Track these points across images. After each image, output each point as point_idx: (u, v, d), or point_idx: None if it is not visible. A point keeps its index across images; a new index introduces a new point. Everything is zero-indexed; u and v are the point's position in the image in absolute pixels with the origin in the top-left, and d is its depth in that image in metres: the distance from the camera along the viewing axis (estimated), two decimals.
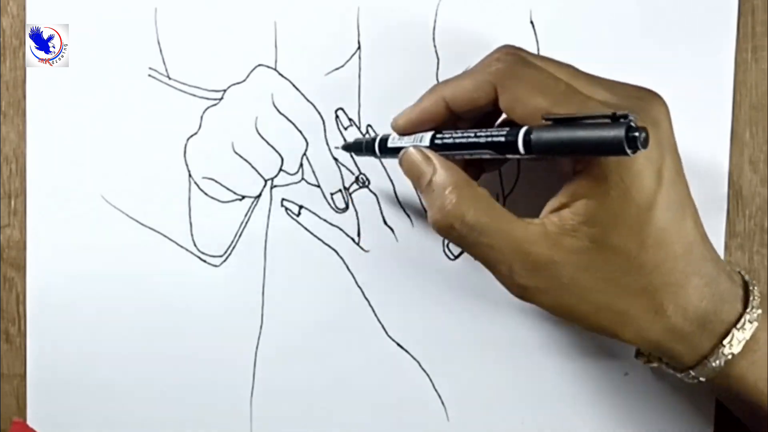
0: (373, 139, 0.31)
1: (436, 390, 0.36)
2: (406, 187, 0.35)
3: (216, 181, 0.36)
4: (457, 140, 0.28)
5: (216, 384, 0.37)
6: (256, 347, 0.37)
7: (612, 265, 0.26)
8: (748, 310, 0.28)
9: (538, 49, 0.34)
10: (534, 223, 0.27)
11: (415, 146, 0.29)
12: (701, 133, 0.33)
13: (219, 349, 0.37)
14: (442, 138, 0.29)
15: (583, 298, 0.27)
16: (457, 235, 0.28)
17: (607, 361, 0.34)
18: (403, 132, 0.30)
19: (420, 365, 0.36)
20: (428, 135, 0.29)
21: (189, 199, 0.36)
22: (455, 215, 0.27)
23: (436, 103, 0.29)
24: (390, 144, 0.31)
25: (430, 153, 0.29)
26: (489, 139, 0.27)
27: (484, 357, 0.36)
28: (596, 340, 0.35)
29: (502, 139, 0.26)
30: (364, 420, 0.36)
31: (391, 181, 0.36)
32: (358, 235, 0.36)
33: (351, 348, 0.36)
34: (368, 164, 0.35)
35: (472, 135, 0.27)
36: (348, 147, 0.33)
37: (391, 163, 0.34)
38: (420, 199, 0.35)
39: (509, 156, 0.26)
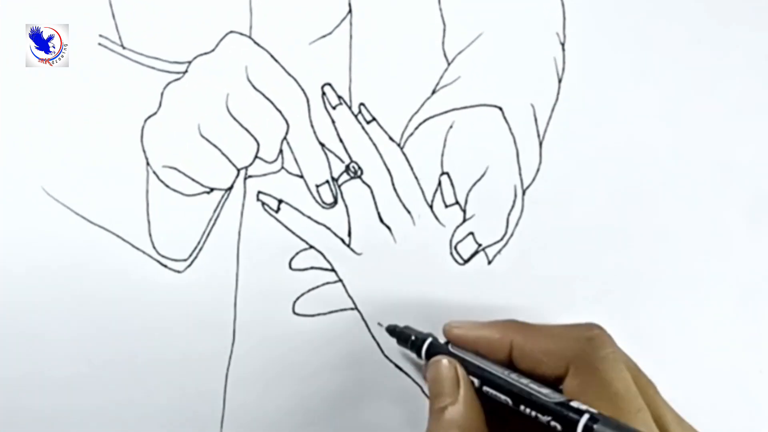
0: (423, 339, 0.32)
1: None
2: (406, 178, 0.35)
3: (179, 171, 0.35)
4: (504, 388, 0.29)
5: (179, 413, 0.35)
6: (227, 369, 0.35)
7: None
8: None
9: (564, 14, 0.34)
10: None
11: (451, 360, 0.30)
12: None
13: (182, 372, 0.35)
14: (490, 393, 0.29)
15: None
16: None
17: None
18: (452, 342, 0.32)
19: (423, 391, 0.35)
20: (477, 381, 0.30)
21: (146, 191, 0.35)
22: None
23: (501, 342, 0.30)
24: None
25: (463, 378, 0.30)
26: (541, 421, 0.27)
27: None
28: None
29: (558, 429, 0.27)
30: None
31: (388, 170, 0.35)
32: (349, 234, 0.35)
33: (340, 369, 0.35)
34: (361, 151, 0.35)
35: (526, 391, 0.28)
36: (393, 332, 0.34)
37: (389, 150, 0.35)
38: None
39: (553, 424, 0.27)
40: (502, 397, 0.29)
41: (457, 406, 0.29)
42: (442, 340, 0.32)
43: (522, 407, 0.28)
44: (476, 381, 0.30)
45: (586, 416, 0.26)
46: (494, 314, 0.35)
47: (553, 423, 0.26)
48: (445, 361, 0.30)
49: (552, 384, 0.29)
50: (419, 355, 0.32)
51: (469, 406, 0.29)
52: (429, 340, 0.32)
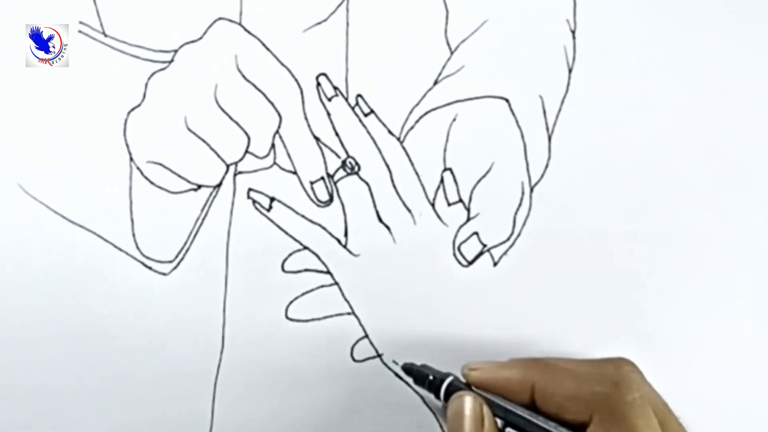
0: (441, 380, 0.32)
1: None
2: (406, 174, 0.35)
3: (164, 167, 0.34)
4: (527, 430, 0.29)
5: (164, 426, 0.35)
6: (215, 378, 0.35)
7: None
8: None
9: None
10: None
11: (476, 397, 0.30)
12: None
13: (167, 382, 0.35)
14: (512, 418, 0.30)
15: None
16: None
17: None
18: (472, 385, 0.31)
19: (424, 401, 0.35)
20: (500, 422, 0.30)
21: (130, 189, 0.34)
22: None
23: (522, 384, 0.30)
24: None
25: (488, 416, 0.29)
26: None
27: None
28: None
29: None
30: None
31: (387, 165, 0.35)
32: (346, 234, 0.35)
33: (336, 378, 0.35)
34: (358, 145, 0.35)
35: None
36: (410, 371, 0.33)
37: (388, 145, 0.34)
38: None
39: None
40: None
41: None
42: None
43: None
44: (499, 422, 0.29)
45: None
46: (499, 318, 0.35)
47: None
48: (469, 398, 0.30)
49: (577, 430, 0.28)
50: (437, 395, 0.32)
51: None
52: (449, 379, 0.31)
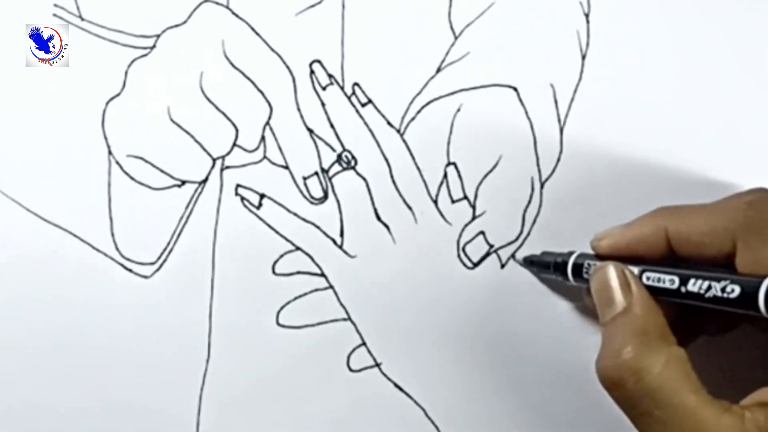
0: (564, 262, 0.32)
1: None
2: (406, 169, 0.35)
3: (146, 161, 0.34)
4: (673, 287, 0.28)
5: None
6: (201, 389, 0.35)
7: None
8: None
9: None
10: (732, 412, 0.26)
11: (616, 264, 0.30)
12: None
13: (149, 394, 0.35)
14: (652, 277, 0.29)
15: None
16: (626, 396, 0.27)
17: None
18: (605, 256, 0.31)
19: (426, 414, 0.35)
20: (636, 269, 0.30)
21: (108, 185, 0.34)
22: (633, 369, 0.27)
23: (655, 234, 0.30)
24: (587, 270, 0.31)
25: (633, 281, 0.29)
26: (716, 292, 0.27)
27: (511, 404, 0.35)
28: None
29: (736, 292, 0.26)
30: None
31: (386, 160, 0.34)
32: (341, 234, 0.34)
33: (330, 389, 0.35)
34: (355, 138, 0.34)
35: (694, 281, 0.27)
36: (531, 262, 0.34)
37: (387, 137, 0.34)
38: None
39: (743, 311, 0.26)
40: (668, 277, 0.28)
41: (634, 309, 0.28)
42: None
43: (692, 282, 0.27)
44: (645, 281, 0.29)
45: None
46: (506, 323, 0.34)
47: (730, 287, 0.26)
48: (611, 266, 0.29)
49: (723, 264, 0.28)
50: (566, 276, 0.32)
51: (647, 307, 0.28)
52: (574, 255, 0.32)
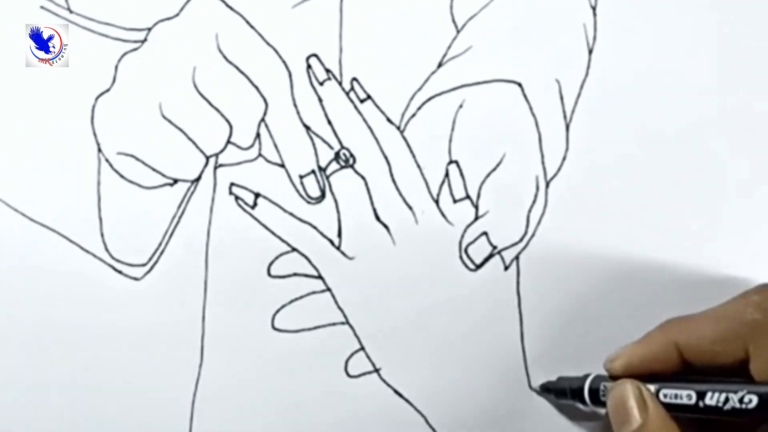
0: (580, 387, 0.32)
1: None
2: (407, 167, 0.34)
3: (137, 159, 0.34)
4: (691, 402, 0.29)
5: None
6: (194, 395, 0.34)
7: None
8: None
9: None
10: None
11: (633, 382, 0.30)
12: None
13: (140, 400, 0.34)
14: (669, 394, 0.30)
15: None
16: None
17: None
18: (619, 376, 0.31)
19: (426, 421, 0.35)
20: (653, 387, 0.30)
21: (98, 183, 0.34)
22: None
23: (667, 349, 0.30)
24: (603, 393, 0.32)
25: (650, 398, 0.29)
26: (734, 404, 0.27)
27: (516, 412, 0.35)
28: None
29: (754, 402, 0.26)
30: None
31: (385, 157, 0.34)
32: (339, 235, 0.34)
33: (328, 395, 0.34)
34: (353, 135, 0.34)
35: (711, 394, 0.28)
36: (548, 389, 0.34)
37: (387, 134, 0.34)
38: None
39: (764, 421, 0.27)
40: (685, 393, 0.28)
41: (649, 427, 0.28)
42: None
43: (709, 396, 0.27)
44: (661, 398, 0.30)
45: None
46: (511, 328, 0.34)
47: (747, 396, 0.26)
48: (628, 384, 0.30)
49: (740, 373, 0.28)
50: (584, 401, 0.32)
51: (662, 424, 0.28)
52: (590, 378, 0.32)
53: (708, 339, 0.29)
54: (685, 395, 0.28)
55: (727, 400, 0.27)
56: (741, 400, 0.26)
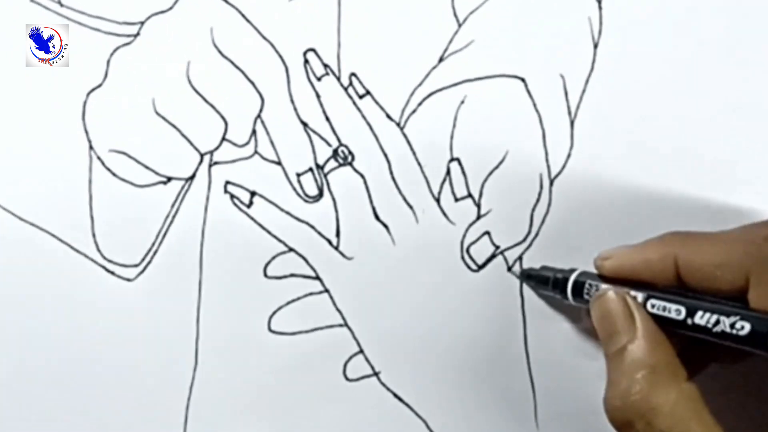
0: (564, 278, 0.32)
1: None
2: (407, 165, 0.34)
3: (129, 156, 0.34)
4: (679, 317, 0.28)
5: None
6: (188, 400, 0.34)
7: None
8: None
9: None
10: None
11: (618, 291, 0.30)
12: None
13: (133, 404, 0.34)
14: (657, 305, 0.29)
15: None
16: None
17: None
18: (608, 276, 0.31)
19: (427, 426, 0.34)
20: (641, 295, 0.30)
21: (89, 182, 0.34)
22: (640, 410, 0.27)
23: (664, 260, 0.29)
24: (588, 291, 0.31)
25: (636, 309, 0.29)
26: (724, 328, 0.26)
27: (518, 417, 0.35)
28: None
29: (746, 329, 0.26)
30: None
31: (385, 155, 0.34)
32: (337, 234, 0.34)
33: (326, 400, 0.34)
34: (352, 132, 0.34)
35: (702, 313, 0.27)
36: (528, 276, 0.34)
37: (386, 131, 0.34)
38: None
39: (753, 350, 0.26)
40: (674, 307, 0.28)
41: (638, 340, 0.28)
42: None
43: (700, 314, 0.27)
44: (650, 308, 0.29)
45: None
46: (514, 330, 0.34)
47: (740, 323, 0.26)
48: (611, 293, 0.29)
49: (735, 299, 0.28)
50: (565, 295, 0.32)
51: (652, 338, 0.28)
52: (575, 273, 0.31)
53: (710, 260, 0.28)
54: (674, 309, 0.28)
55: (717, 322, 0.26)
56: (733, 326, 0.26)
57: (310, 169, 0.34)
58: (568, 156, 0.34)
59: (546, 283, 0.33)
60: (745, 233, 0.29)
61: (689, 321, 0.27)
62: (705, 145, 0.34)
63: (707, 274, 0.28)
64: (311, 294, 0.34)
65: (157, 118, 0.33)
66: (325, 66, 0.33)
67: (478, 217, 0.34)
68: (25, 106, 0.34)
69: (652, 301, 0.29)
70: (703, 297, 0.27)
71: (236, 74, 0.33)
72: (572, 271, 0.32)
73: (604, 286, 0.30)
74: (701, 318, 0.27)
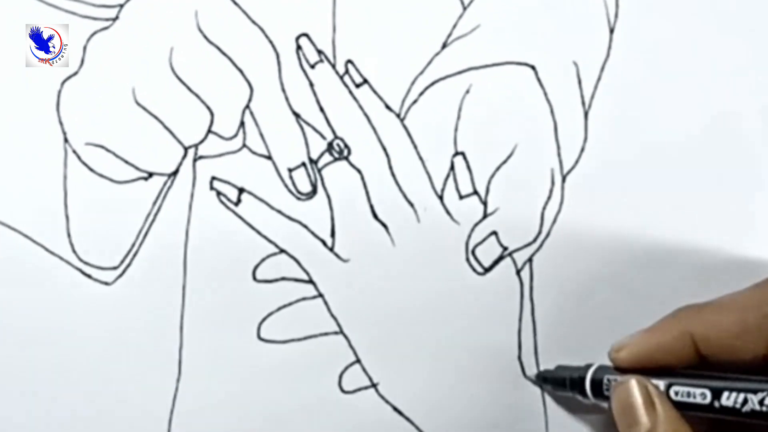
0: (581, 377, 0.31)
1: None
2: (407, 160, 0.34)
3: (107, 150, 0.33)
4: (705, 401, 0.28)
5: None
6: (171, 412, 0.33)
7: None
8: None
9: None
10: None
11: (639, 379, 0.29)
12: None
13: (112, 417, 0.33)
14: (681, 392, 0.29)
15: None
16: None
17: None
18: (625, 368, 0.30)
19: None
20: (662, 383, 0.29)
21: (64, 177, 0.33)
22: None
23: (680, 340, 0.29)
24: (607, 387, 0.31)
25: (657, 397, 0.28)
26: (753, 406, 0.26)
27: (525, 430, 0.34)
28: None
29: None
30: None
31: (384, 149, 0.33)
32: (332, 235, 0.33)
33: (320, 413, 0.33)
34: (348, 123, 0.33)
35: (728, 394, 0.27)
36: (544, 379, 0.33)
37: (385, 123, 0.33)
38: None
39: None
40: (699, 391, 0.27)
41: (659, 428, 0.28)
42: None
43: (726, 395, 0.26)
44: (673, 396, 0.29)
45: None
46: (523, 337, 0.33)
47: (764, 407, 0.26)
48: (633, 382, 0.29)
49: (761, 370, 0.28)
50: (584, 394, 0.31)
51: (671, 427, 0.27)
52: (591, 369, 0.31)
53: (728, 331, 0.28)
54: (699, 394, 0.27)
55: (746, 401, 0.26)
56: (762, 402, 0.25)
57: (303, 164, 0.33)
58: (582, 150, 0.33)
59: (563, 384, 0.32)
60: (759, 294, 0.29)
61: (716, 404, 0.27)
62: (729, 137, 0.33)
63: (727, 347, 0.28)
64: (304, 299, 0.33)
65: (138, 109, 0.32)
66: (319, 52, 0.33)
67: (485, 215, 0.33)
68: None
69: (675, 387, 0.29)
70: (727, 376, 0.27)
71: (223, 61, 0.32)
72: (588, 367, 0.31)
73: (622, 378, 0.30)
74: (728, 399, 0.26)
